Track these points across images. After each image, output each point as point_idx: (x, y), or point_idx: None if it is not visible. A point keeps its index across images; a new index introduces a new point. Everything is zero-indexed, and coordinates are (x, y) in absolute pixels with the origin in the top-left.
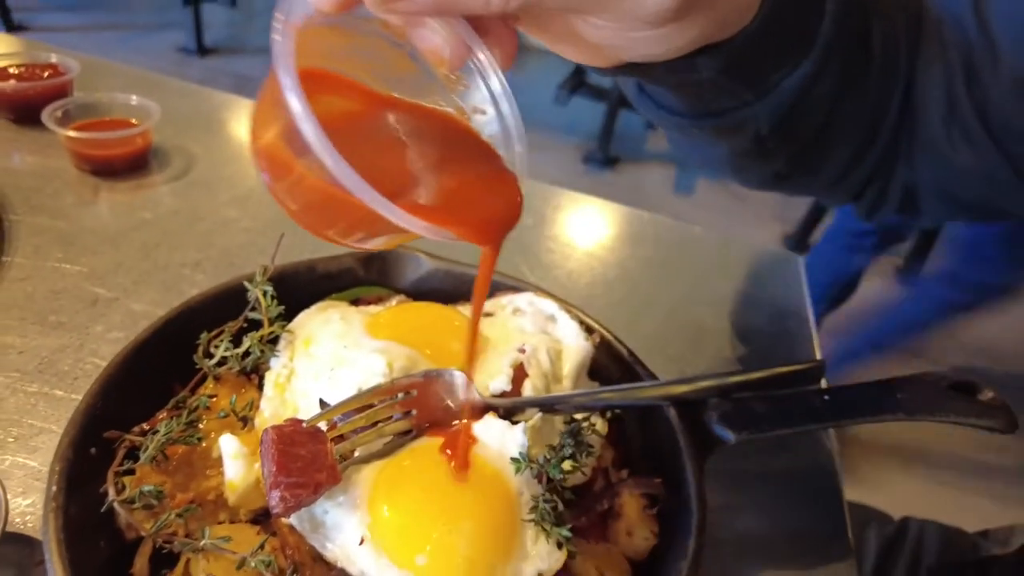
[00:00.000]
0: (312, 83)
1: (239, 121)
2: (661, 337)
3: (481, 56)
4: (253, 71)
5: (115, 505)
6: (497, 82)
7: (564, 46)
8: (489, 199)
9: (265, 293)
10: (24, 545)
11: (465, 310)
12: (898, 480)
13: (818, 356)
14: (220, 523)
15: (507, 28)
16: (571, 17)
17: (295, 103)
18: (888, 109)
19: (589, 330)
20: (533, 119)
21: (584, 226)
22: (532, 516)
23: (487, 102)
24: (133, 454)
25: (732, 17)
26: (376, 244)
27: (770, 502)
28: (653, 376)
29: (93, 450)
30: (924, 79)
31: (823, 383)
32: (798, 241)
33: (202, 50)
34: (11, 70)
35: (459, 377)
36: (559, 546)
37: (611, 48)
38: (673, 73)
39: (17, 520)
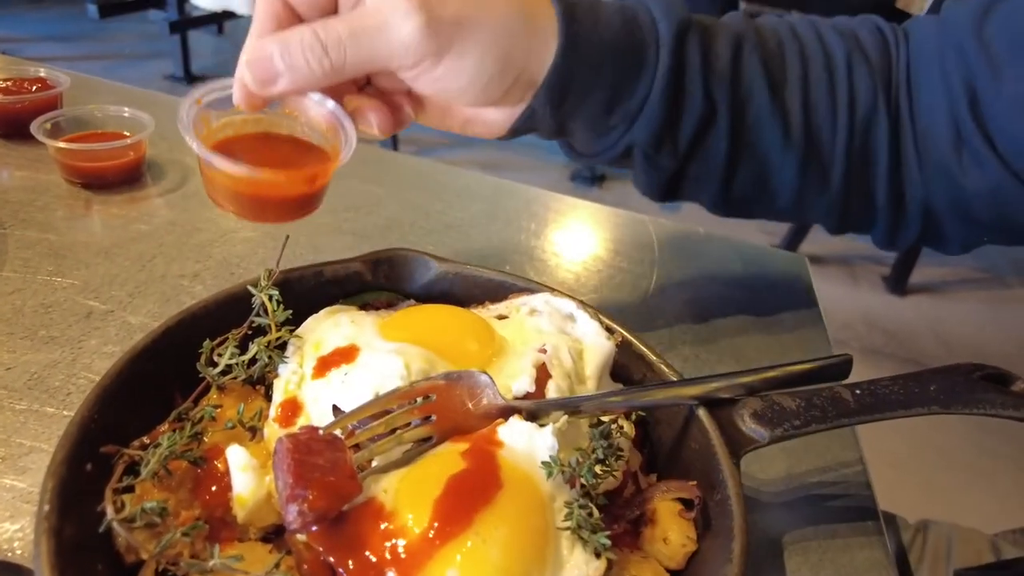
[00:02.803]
0: (236, 142)
1: None
2: (674, 338)
3: (343, 121)
4: None
5: (114, 525)
6: (352, 132)
7: (445, 121)
8: (306, 167)
9: (271, 297)
10: (11, 575)
11: (478, 312)
12: (895, 484)
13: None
14: (228, 542)
15: (379, 103)
16: (402, 80)
17: (189, 141)
18: (831, 138)
19: (609, 330)
20: (521, 141)
21: (587, 231)
22: (568, 523)
23: (346, 144)
24: (133, 470)
25: (516, 47)
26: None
27: (799, 502)
28: (680, 375)
29: (89, 466)
30: (928, 107)
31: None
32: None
33: (190, 78)
34: None
35: (482, 378)
36: (597, 555)
37: (443, 97)
38: (527, 123)
39: (4, 547)
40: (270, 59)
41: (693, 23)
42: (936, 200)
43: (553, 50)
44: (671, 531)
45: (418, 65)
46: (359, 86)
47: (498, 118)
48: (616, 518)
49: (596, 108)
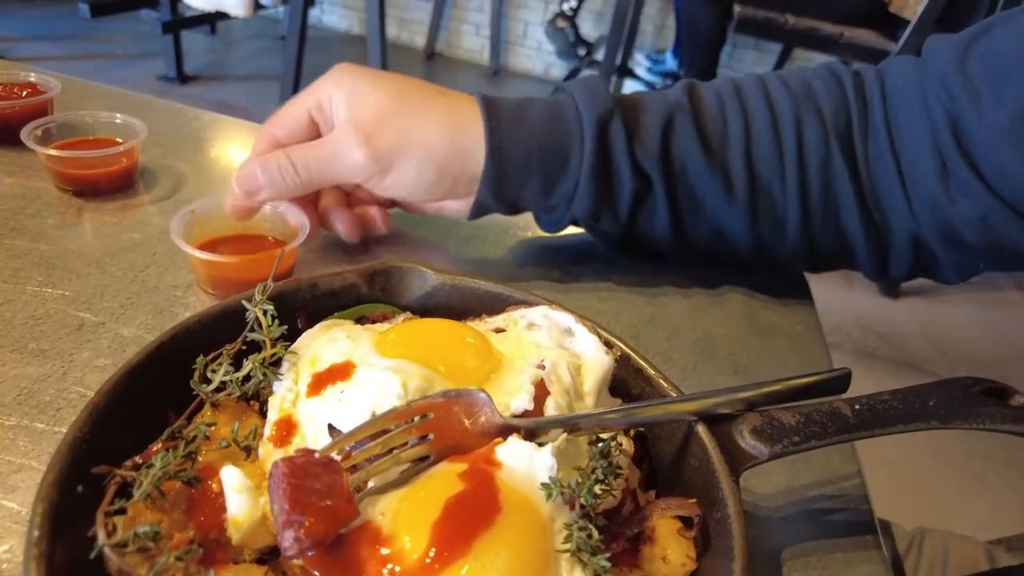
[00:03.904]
0: (222, 241)
1: (227, 140)
2: (672, 348)
3: (305, 223)
4: (234, 99)
5: (105, 550)
6: (306, 226)
7: (420, 210)
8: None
9: (266, 312)
10: None
11: (475, 325)
12: (889, 488)
13: (833, 364)
14: (223, 564)
15: (347, 213)
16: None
17: (175, 238)
18: (781, 188)
19: (608, 344)
20: None
21: (583, 239)
22: (567, 545)
23: (300, 235)
24: (125, 491)
25: (448, 159)
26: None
27: (798, 516)
28: (678, 389)
29: (80, 488)
30: (912, 144)
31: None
32: None
33: (182, 78)
34: None
35: (480, 396)
36: None
37: (406, 200)
38: (481, 209)
39: None
40: (254, 175)
41: (617, 108)
42: (926, 231)
43: (483, 156)
44: (670, 549)
45: (368, 180)
46: (346, 192)
47: (458, 207)
48: (615, 536)
49: (534, 194)
